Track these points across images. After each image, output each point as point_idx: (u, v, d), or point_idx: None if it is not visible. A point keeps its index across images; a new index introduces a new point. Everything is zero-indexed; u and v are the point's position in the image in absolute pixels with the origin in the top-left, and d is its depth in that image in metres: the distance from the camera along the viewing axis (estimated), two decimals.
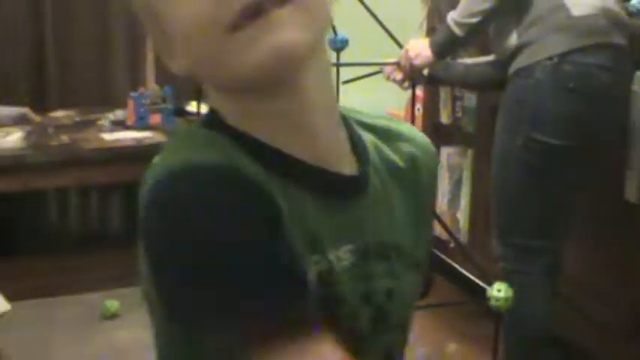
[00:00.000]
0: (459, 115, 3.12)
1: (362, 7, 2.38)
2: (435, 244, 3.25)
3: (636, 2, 2.34)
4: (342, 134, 0.85)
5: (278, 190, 0.76)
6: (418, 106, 3.21)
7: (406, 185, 0.90)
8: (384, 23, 2.40)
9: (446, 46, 2.37)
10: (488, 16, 2.25)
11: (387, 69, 2.55)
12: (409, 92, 2.69)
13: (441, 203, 3.21)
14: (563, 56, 2.13)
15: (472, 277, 2.85)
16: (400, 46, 2.48)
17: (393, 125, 0.93)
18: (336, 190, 0.82)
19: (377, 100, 3.97)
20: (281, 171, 0.79)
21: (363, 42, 2.60)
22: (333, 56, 2.57)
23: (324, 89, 0.81)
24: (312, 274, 0.76)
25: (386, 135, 0.90)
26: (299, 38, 0.73)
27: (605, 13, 2.16)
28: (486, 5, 2.22)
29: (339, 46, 2.58)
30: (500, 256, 2.32)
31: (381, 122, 0.92)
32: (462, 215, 3.13)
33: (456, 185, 3.16)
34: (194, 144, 0.78)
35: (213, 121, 0.81)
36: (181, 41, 0.76)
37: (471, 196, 3.08)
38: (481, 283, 1.96)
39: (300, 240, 0.77)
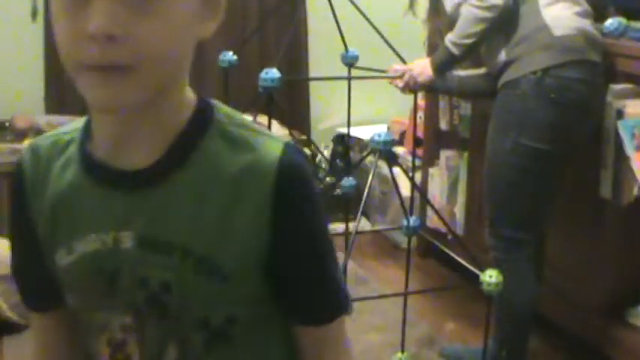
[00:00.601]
0: (456, 122, 3.13)
1: (371, 27, 2.42)
2: (435, 235, 3.29)
3: (608, 24, 2.37)
4: (160, 140, 0.83)
5: (74, 177, 0.86)
6: (420, 114, 3.22)
7: (234, 195, 0.82)
8: (390, 40, 2.44)
9: (444, 65, 2.37)
10: (481, 37, 2.26)
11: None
12: (412, 102, 2.72)
13: (441, 200, 3.22)
14: (545, 71, 2.14)
15: (467, 265, 2.88)
16: (402, 59, 2.51)
17: (252, 138, 0.85)
18: (119, 183, 0.83)
19: (384, 109, 4.02)
20: (84, 165, 0.86)
21: (372, 56, 2.64)
22: (345, 71, 2.62)
23: (150, 112, 0.81)
24: (71, 254, 0.86)
25: (237, 145, 0.84)
26: (125, 101, 0.77)
27: (583, 33, 2.18)
28: (479, 28, 2.25)
29: (350, 61, 2.62)
30: (492, 246, 2.33)
31: (243, 134, 0.85)
32: (459, 210, 3.13)
33: (454, 184, 3.17)
34: (68, 127, 0.91)
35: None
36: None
37: (467, 194, 3.07)
38: (475, 270, 2.00)
39: (75, 221, 0.86)
